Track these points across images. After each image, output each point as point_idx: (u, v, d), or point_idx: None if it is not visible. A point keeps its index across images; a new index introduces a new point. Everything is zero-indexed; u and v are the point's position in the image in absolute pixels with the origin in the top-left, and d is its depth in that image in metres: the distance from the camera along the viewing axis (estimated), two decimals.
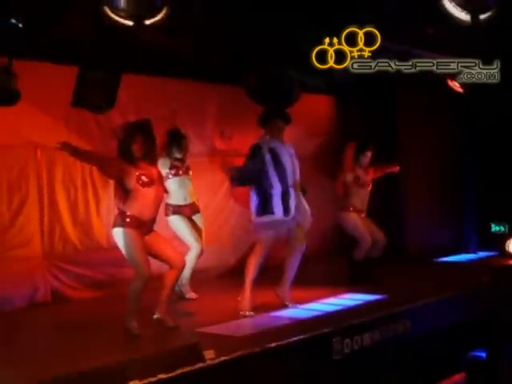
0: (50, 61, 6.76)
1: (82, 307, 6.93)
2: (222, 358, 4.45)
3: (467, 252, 10.39)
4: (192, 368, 4.25)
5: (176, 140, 6.92)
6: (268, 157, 6.14)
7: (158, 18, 5.21)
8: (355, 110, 10.00)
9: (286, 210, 6.13)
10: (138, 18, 5.13)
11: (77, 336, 5.53)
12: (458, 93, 8.53)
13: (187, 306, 6.70)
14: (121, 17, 5.14)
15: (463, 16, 5.98)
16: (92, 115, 7.07)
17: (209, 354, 4.41)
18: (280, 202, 6.10)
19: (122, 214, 5.32)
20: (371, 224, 7.73)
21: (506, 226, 10.31)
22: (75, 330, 5.76)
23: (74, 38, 5.97)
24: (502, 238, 10.19)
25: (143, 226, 5.34)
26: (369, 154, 7.76)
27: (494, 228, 10.44)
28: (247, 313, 6.07)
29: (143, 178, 5.31)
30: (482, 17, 6.00)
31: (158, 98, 7.84)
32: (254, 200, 6.20)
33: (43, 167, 7.13)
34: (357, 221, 7.62)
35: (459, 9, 5.95)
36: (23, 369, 4.51)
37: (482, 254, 10.30)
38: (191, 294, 6.99)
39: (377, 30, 6.63)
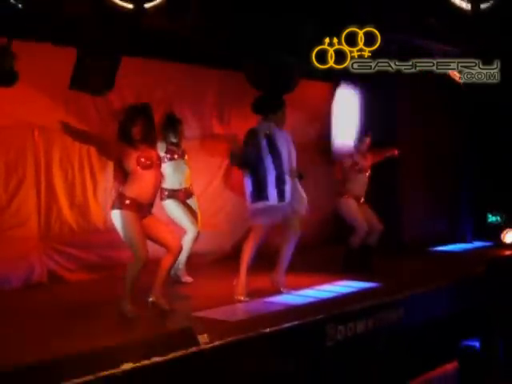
0: (49, 42, 6.72)
1: (78, 289, 6.94)
2: (216, 343, 4.48)
3: (463, 242, 10.42)
4: (186, 352, 4.28)
5: (172, 124, 6.93)
6: (264, 142, 6.14)
7: (158, 1, 5.20)
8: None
9: (281, 195, 6.13)
10: (138, 1, 5.11)
11: (72, 318, 5.54)
12: (458, 84, 8.53)
13: (182, 289, 6.72)
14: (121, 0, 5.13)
15: (464, 5, 5.98)
16: (90, 97, 7.04)
17: (203, 338, 4.44)
18: (274, 188, 6.10)
19: (120, 197, 5.32)
20: (368, 211, 7.75)
21: (502, 217, 10.35)
22: (70, 311, 5.77)
23: (74, 19, 5.94)
24: (497, 229, 10.23)
25: (142, 209, 5.35)
26: (367, 139, 7.78)
27: (491, 218, 10.48)
28: (242, 298, 6.09)
29: (142, 160, 5.32)
30: (483, 6, 6.00)
31: (156, 82, 7.81)
32: (248, 186, 6.20)
33: (41, 149, 7.11)
34: (354, 207, 7.63)
35: None
36: (14, 349, 4.52)
37: (477, 244, 10.34)
38: (187, 278, 7.02)
39: (378, 22, 6.63)
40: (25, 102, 6.76)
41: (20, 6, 5.36)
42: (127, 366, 3.94)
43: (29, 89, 6.65)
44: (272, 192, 6.10)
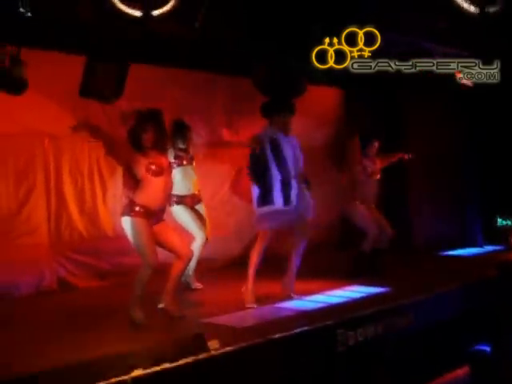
0: (58, 50, 6.76)
1: (88, 296, 6.96)
2: (226, 349, 4.47)
3: (473, 246, 10.38)
4: (196, 358, 4.27)
5: (180, 130, 6.93)
6: (268, 147, 6.15)
7: (166, 8, 5.22)
8: (361, 102, 9.98)
9: (287, 199, 6.14)
10: (146, 9, 5.13)
11: (81, 324, 5.56)
12: (467, 88, 8.51)
13: (192, 296, 6.73)
14: (129, 7, 5.15)
15: (472, 8, 5.97)
16: (99, 105, 7.08)
17: (213, 345, 4.43)
18: (280, 192, 6.12)
19: (131, 203, 5.33)
20: (379, 215, 7.74)
21: None
22: (80, 318, 5.79)
23: (83, 27, 5.97)
24: (507, 232, 10.19)
25: (152, 216, 5.36)
26: (376, 143, 7.76)
27: (501, 222, 10.43)
28: (250, 305, 6.09)
29: (153, 167, 5.33)
30: (490, 9, 5.99)
31: (165, 88, 7.84)
32: (255, 191, 6.22)
33: (50, 156, 7.16)
34: (364, 212, 7.62)
35: (468, 1, 5.95)
36: (25, 356, 4.53)
37: (488, 247, 10.29)
38: (197, 285, 7.02)
39: (384, 24, 6.62)
40: (34, 109, 6.81)
41: (29, 14, 5.39)
42: (137, 372, 3.94)
43: (38, 97, 6.69)
44: (278, 196, 6.12)
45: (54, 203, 7.19)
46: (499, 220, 10.44)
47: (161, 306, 5.53)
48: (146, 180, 5.34)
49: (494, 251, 10.01)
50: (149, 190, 5.34)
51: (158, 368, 4.04)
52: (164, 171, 5.41)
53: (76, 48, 6.53)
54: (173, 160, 6.77)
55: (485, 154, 10.61)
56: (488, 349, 7.36)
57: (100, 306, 6.33)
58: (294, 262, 6.39)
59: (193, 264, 6.81)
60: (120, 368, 3.95)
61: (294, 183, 6.19)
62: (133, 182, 5.40)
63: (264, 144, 6.16)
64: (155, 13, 5.25)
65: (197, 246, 6.84)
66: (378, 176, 7.79)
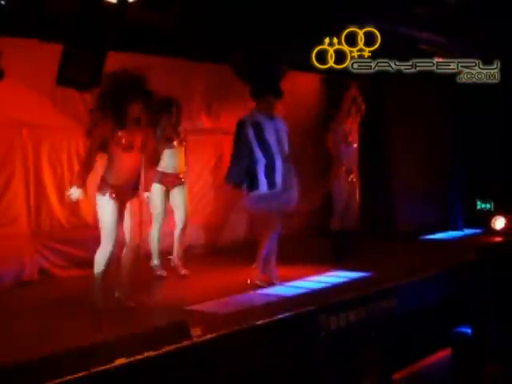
0: (34, 38, 6.69)
1: (69, 285, 6.91)
2: (209, 336, 4.48)
3: (454, 229, 10.46)
4: (179, 345, 4.27)
5: (168, 108, 6.89)
6: (251, 133, 6.18)
7: None
8: (343, 87, 9.96)
9: (271, 183, 6.18)
10: None
11: (63, 314, 5.53)
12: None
13: (174, 283, 6.72)
14: None
15: None
16: (78, 93, 7.01)
17: (196, 332, 4.44)
18: (264, 177, 6.16)
19: (102, 181, 5.28)
20: (354, 191, 7.80)
21: (492, 204, 10.39)
22: (62, 308, 5.77)
23: (59, 14, 5.91)
24: (487, 216, 10.27)
25: (123, 192, 5.29)
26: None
27: (480, 205, 10.51)
28: (258, 282, 6.15)
29: (123, 141, 5.17)
30: None
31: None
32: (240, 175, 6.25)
33: (29, 146, 7.07)
34: (343, 187, 7.69)
35: None
36: (7, 347, 4.51)
37: (468, 231, 10.37)
38: (183, 271, 7.00)
39: (365, 11, 6.63)
40: (12, 99, 6.72)
41: (3, 2, 5.32)
42: (120, 361, 3.93)
43: (16, 86, 6.61)
44: (262, 180, 6.16)
45: (34, 193, 7.12)
46: (478, 203, 10.51)
47: (116, 295, 5.52)
48: (115, 155, 5.21)
49: (474, 235, 10.10)
50: (117, 165, 5.23)
51: (141, 356, 4.03)
52: (135, 147, 5.24)
53: (52, 36, 6.45)
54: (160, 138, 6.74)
55: (466, 138, 10.67)
56: (469, 331, 7.44)
57: (81, 295, 6.26)
58: (273, 247, 6.40)
59: (176, 250, 6.92)
60: (103, 357, 3.94)
61: (278, 166, 6.21)
62: (105, 158, 5.30)
63: (247, 129, 6.18)
64: (131, 0, 5.20)
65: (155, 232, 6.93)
66: (356, 145, 7.87)
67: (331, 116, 7.80)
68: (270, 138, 6.23)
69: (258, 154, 6.18)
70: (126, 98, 5.21)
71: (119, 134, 5.20)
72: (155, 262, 7.01)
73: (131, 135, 5.24)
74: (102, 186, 5.24)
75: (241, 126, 6.25)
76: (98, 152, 5.26)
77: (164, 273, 7.04)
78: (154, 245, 6.98)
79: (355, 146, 7.87)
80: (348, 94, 7.68)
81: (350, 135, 7.73)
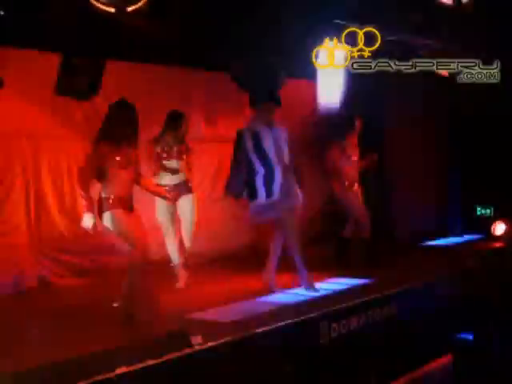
0: (33, 48, 6.70)
1: (69, 294, 6.91)
2: (210, 344, 4.47)
3: (453, 235, 10.46)
4: (180, 354, 4.27)
5: (171, 122, 6.88)
6: (250, 144, 6.18)
7: (140, 4, 5.20)
8: None
9: (268, 193, 6.19)
10: (120, 5, 5.11)
11: (63, 323, 5.51)
12: (443, 77, 8.56)
13: (175, 291, 6.71)
14: (103, 4, 5.12)
15: (446, 0, 6.03)
16: (77, 102, 7.03)
17: (196, 340, 4.43)
18: (262, 186, 6.17)
19: (104, 199, 5.27)
20: (361, 200, 7.84)
21: (492, 209, 10.38)
22: (62, 317, 5.75)
23: (57, 24, 5.92)
24: (487, 221, 10.27)
25: (125, 204, 5.31)
26: (356, 123, 7.87)
27: (480, 211, 10.51)
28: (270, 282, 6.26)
29: (118, 158, 5.24)
30: (464, 0, 6.04)
31: (142, 85, 7.78)
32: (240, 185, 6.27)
33: (28, 155, 7.09)
34: (354, 199, 7.79)
35: None
36: (7, 356, 4.50)
37: (468, 237, 10.37)
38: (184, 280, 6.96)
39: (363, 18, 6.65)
40: (11, 109, 6.74)
41: (1, 12, 5.34)
42: (121, 369, 3.93)
43: (14, 96, 6.63)
44: (261, 190, 6.16)
45: (34, 202, 7.13)
46: (478, 208, 10.51)
47: (115, 304, 5.45)
48: (113, 173, 5.25)
49: (474, 240, 10.09)
50: (116, 181, 5.26)
51: (141, 365, 4.03)
52: (131, 164, 5.34)
53: (51, 46, 6.47)
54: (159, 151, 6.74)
55: (465, 144, 10.68)
56: (470, 337, 7.44)
57: (81, 304, 6.29)
58: (276, 255, 6.41)
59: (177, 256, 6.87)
60: (103, 366, 3.93)
61: (277, 175, 6.21)
62: (102, 178, 5.29)
63: (245, 140, 6.19)
64: (129, 9, 5.23)
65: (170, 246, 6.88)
66: (357, 156, 7.89)
67: (335, 145, 7.81)
68: (269, 147, 6.23)
69: (257, 165, 6.19)
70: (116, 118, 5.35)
71: (114, 153, 5.26)
72: (175, 262, 6.94)
73: (126, 153, 5.33)
74: (105, 204, 5.25)
75: (240, 136, 6.25)
76: (99, 174, 5.29)
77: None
78: (172, 253, 6.91)
79: (355, 159, 7.89)
80: (355, 127, 7.76)
81: (349, 150, 7.78)
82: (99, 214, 5.32)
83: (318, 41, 7.08)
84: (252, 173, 6.20)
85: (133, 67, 7.72)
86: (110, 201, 5.25)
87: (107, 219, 5.28)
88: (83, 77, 6.22)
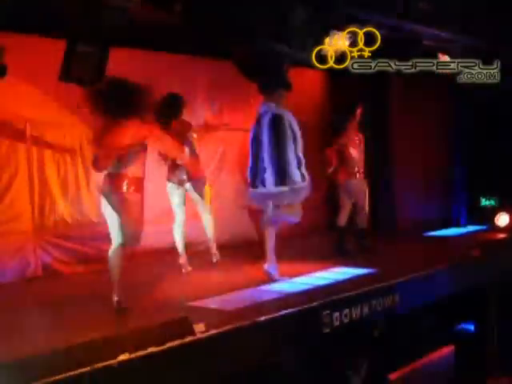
0: (37, 34, 6.69)
1: (73, 282, 6.94)
2: (212, 332, 4.48)
3: (457, 226, 10.45)
4: (182, 341, 4.27)
5: (166, 106, 6.91)
6: (288, 130, 6.14)
7: None
8: (347, 85, 9.95)
9: (303, 176, 6.18)
10: None
11: (67, 310, 5.54)
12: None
13: (178, 279, 6.72)
14: None
15: None
16: (81, 89, 7.01)
17: (199, 328, 4.44)
18: (296, 169, 6.13)
19: (124, 178, 5.19)
20: (363, 189, 7.82)
21: (496, 200, 10.37)
22: (65, 304, 5.77)
23: (62, 11, 5.90)
24: (491, 212, 10.25)
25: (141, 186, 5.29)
26: (358, 111, 7.88)
27: (484, 202, 10.50)
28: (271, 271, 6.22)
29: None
30: None
31: (146, 72, 7.72)
32: (269, 171, 6.19)
33: (32, 142, 7.09)
34: (352, 190, 7.78)
35: None
36: (12, 343, 4.52)
37: (471, 227, 10.36)
38: (187, 268, 6.98)
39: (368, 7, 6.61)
40: (15, 95, 6.74)
41: None
42: (124, 356, 3.93)
43: (19, 82, 6.63)
44: (295, 173, 6.12)
45: (38, 189, 7.15)
46: (483, 200, 10.50)
47: (116, 298, 5.33)
48: (143, 152, 5.28)
49: (478, 231, 10.08)
50: (140, 160, 5.25)
51: (144, 352, 4.04)
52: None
53: (55, 32, 6.45)
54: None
55: (470, 135, 10.65)
56: (472, 328, 7.45)
57: (85, 291, 6.30)
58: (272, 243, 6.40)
59: (181, 247, 6.91)
60: (107, 353, 3.94)
61: (303, 160, 6.20)
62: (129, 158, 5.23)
63: (284, 123, 6.13)
64: None
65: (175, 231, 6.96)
66: (362, 145, 7.90)
67: (337, 132, 7.80)
68: (298, 130, 6.22)
69: (290, 149, 6.15)
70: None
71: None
72: (180, 256, 6.99)
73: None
74: (125, 184, 5.19)
75: (279, 120, 6.18)
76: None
77: (189, 268, 6.99)
78: (177, 242, 6.99)
79: (357, 145, 7.89)
80: (356, 114, 7.74)
81: (352, 137, 7.78)
82: (113, 191, 5.21)
83: (322, 30, 7.04)
84: (286, 156, 6.14)
85: (136, 54, 7.70)
86: (130, 182, 5.18)
87: (118, 200, 5.18)
88: (87, 63, 6.19)
